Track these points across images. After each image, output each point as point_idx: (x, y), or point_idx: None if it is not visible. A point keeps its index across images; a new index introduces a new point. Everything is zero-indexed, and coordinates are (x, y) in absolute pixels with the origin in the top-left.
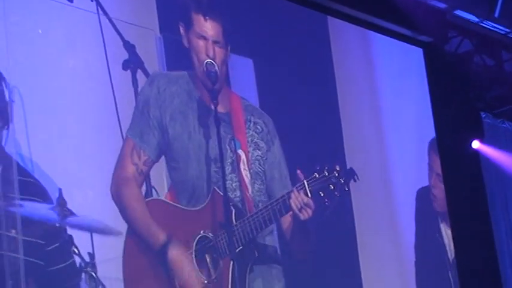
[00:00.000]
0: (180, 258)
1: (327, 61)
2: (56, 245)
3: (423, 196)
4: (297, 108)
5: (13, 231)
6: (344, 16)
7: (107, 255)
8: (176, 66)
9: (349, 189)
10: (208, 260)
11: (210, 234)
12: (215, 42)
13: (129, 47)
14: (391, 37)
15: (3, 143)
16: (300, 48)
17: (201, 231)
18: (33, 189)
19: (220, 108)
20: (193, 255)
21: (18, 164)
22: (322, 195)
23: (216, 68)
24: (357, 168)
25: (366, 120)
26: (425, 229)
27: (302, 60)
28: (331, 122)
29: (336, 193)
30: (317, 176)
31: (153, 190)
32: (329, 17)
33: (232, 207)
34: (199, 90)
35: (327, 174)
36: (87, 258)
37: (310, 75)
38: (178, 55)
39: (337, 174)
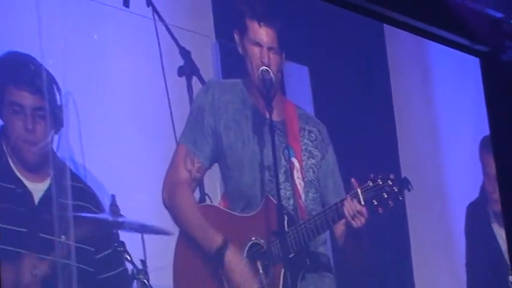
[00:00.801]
0: (236, 262)
1: (382, 69)
2: (108, 251)
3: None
4: (351, 116)
5: (63, 237)
6: (400, 24)
7: (159, 263)
8: (231, 73)
9: (403, 198)
10: (259, 266)
11: (262, 241)
12: (270, 48)
13: (184, 53)
14: (447, 46)
15: (55, 148)
16: (356, 56)
17: (253, 238)
18: (86, 195)
19: (275, 117)
20: (245, 260)
21: (71, 170)
22: (375, 203)
23: (271, 74)
24: (411, 177)
25: (421, 129)
26: (478, 235)
27: (358, 68)
28: (386, 130)
29: (389, 202)
30: (371, 184)
31: (207, 197)
32: (385, 25)
33: (285, 215)
34: (253, 98)
35: (381, 182)
36: (139, 265)
37: (366, 83)
38: (233, 62)
39: (391, 183)
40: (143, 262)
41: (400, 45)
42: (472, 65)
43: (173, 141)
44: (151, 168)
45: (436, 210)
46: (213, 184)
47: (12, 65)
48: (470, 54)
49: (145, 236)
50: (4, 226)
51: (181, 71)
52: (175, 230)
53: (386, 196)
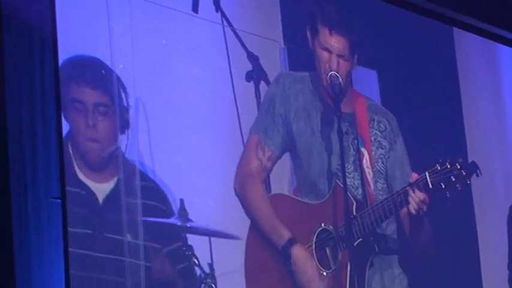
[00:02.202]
0: (303, 255)
1: (452, 73)
2: (177, 243)
3: None
4: (420, 118)
5: (129, 236)
6: (469, 27)
7: (227, 268)
8: None
9: (470, 183)
10: (328, 252)
11: (331, 227)
12: (340, 56)
13: (252, 58)
14: None
15: (124, 151)
16: (425, 60)
17: (322, 224)
18: (156, 194)
19: (345, 108)
20: (314, 248)
21: (140, 170)
22: (443, 187)
23: (340, 80)
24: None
25: (490, 129)
26: None
27: (427, 72)
28: (454, 130)
29: (457, 185)
30: (439, 168)
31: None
32: (454, 28)
33: (354, 200)
34: (322, 92)
35: (449, 166)
36: (207, 269)
37: (435, 85)
38: (301, 67)
39: (459, 167)
40: (210, 266)
41: (470, 48)
42: None
43: (241, 145)
44: (218, 172)
45: (501, 195)
46: (284, 174)
47: (79, 66)
48: None
49: (213, 241)
50: (71, 229)
51: (249, 76)
52: (242, 235)
53: (454, 180)
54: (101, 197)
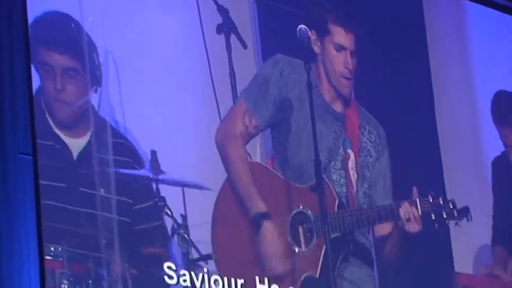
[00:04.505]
0: (274, 231)
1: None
2: (148, 203)
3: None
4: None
5: (102, 190)
6: None
7: (200, 219)
8: (269, 32)
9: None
10: (301, 232)
11: (309, 212)
12: (351, 52)
13: (222, 11)
14: (484, 5)
15: (96, 107)
16: (393, 20)
17: (300, 206)
18: (126, 150)
19: (336, 107)
20: (288, 224)
21: (111, 126)
22: (433, 218)
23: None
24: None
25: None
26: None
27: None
28: (422, 91)
29: (447, 222)
30: (431, 200)
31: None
32: None
33: (337, 197)
34: (321, 89)
35: (441, 202)
36: (179, 220)
37: (404, 47)
38: (271, 20)
39: (451, 206)
40: (183, 217)
41: (438, 7)
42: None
43: (212, 97)
44: (193, 125)
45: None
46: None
47: (47, 26)
48: (509, 14)
49: (186, 193)
50: (45, 182)
51: (219, 29)
52: (215, 187)
53: (445, 216)
54: (75, 152)
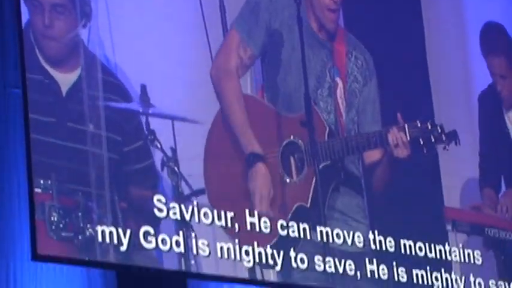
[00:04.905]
0: (266, 173)
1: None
2: (138, 144)
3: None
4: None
5: (91, 125)
6: None
7: (191, 153)
8: None
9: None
10: (292, 162)
11: (300, 141)
12: None
13: None
14: None
15: (86, 42)
16: None
17: (291, 136)
18: (116, 88)
19: (324, 36)
20: (279, 155)
21: (101, 63)
22: (421, 143)
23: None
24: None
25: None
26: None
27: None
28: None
29: (436, 146)
30: (419, 124)
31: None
32: None
33: (326, 125)
34: (309, 16)
35: (429, 127)
36: (169, 153)
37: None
38: None
39: (439, 131)
40: (173, 150)
41: None
42: None
43: (203, 28)
44: (184, 59)
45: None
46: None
47: None
48: None
49: (176, 126)
50: (34, 117)
51: None
52: (206, 119)
53: (433, 140)
54: (64, 87)
